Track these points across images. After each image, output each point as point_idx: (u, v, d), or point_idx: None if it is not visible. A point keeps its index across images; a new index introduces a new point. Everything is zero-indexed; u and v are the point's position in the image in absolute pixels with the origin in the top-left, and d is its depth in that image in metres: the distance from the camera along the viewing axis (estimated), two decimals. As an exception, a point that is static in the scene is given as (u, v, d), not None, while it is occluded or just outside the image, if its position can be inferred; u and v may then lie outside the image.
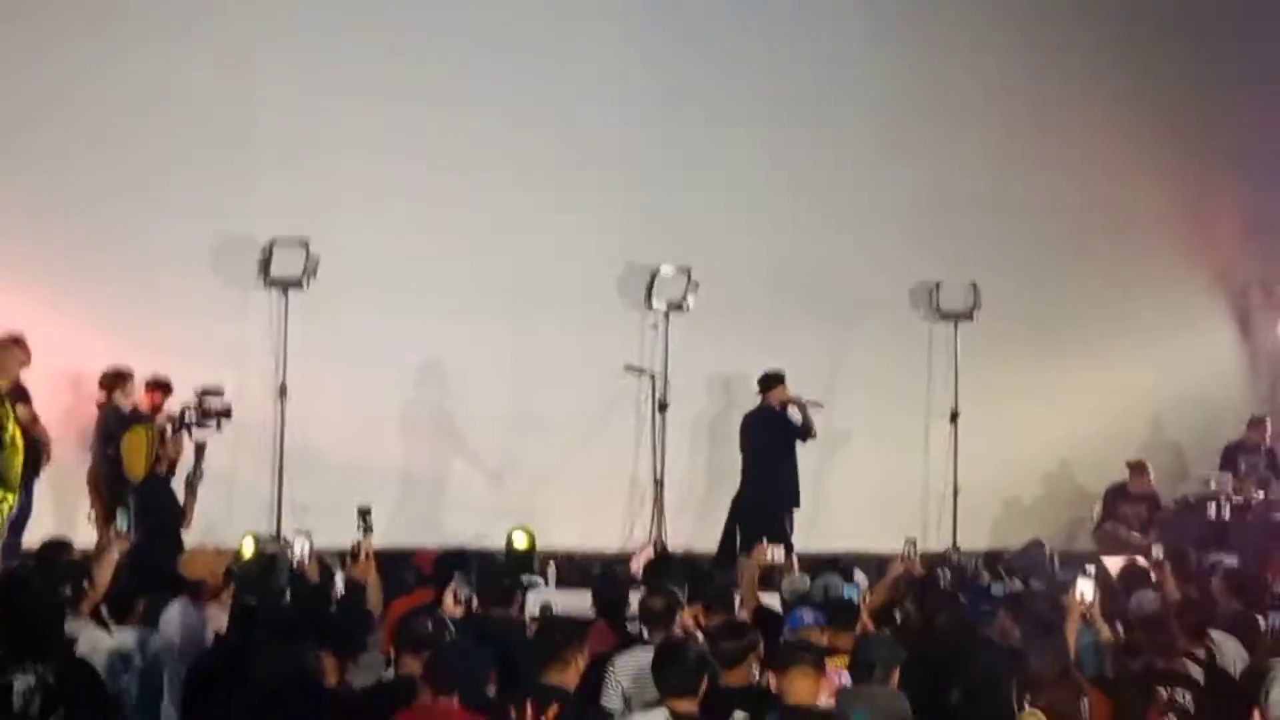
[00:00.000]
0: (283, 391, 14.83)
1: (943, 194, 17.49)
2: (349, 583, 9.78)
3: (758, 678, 7.96)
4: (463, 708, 6.92)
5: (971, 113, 17.84)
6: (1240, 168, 18.99)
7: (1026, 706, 7.02)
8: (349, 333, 15.30)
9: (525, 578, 11.47)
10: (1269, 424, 17.76)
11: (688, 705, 7.03)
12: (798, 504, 15.42)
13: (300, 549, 10.07)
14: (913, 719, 7.39)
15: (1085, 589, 9.39)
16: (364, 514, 10.21)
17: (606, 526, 15.98)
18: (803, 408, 15.57)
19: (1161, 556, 12.70)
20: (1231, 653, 9.56)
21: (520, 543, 13.99)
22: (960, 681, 8.16)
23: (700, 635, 8.87)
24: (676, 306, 16.06)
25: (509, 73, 16.14)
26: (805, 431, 15.59)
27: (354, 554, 9.99)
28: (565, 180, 16.15)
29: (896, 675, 7.66)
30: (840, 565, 11.60)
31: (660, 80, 16.71)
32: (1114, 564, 13.57)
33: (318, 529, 11.34)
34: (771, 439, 15.54)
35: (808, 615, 8.94)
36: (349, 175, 15.50)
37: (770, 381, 15.62)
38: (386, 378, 15.50)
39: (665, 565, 12.12)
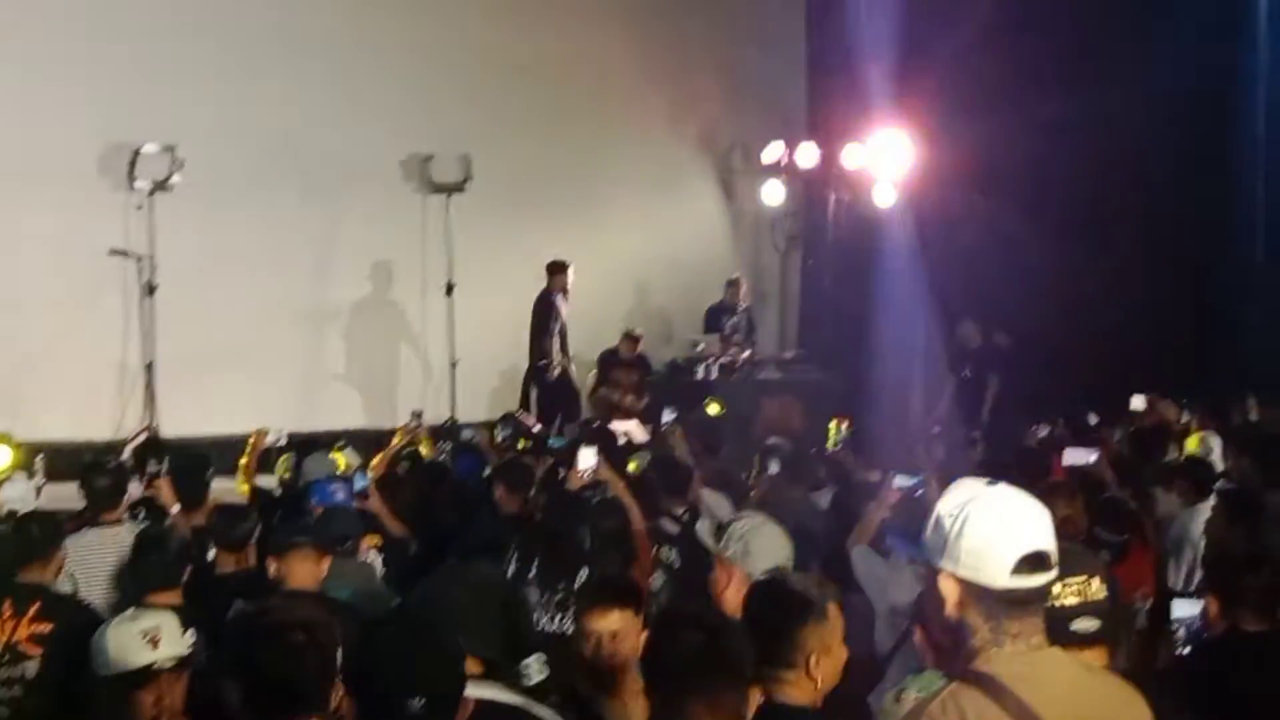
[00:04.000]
0: None
1: (431, 57, 17.39)
2: None
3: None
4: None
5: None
6: (721, 31, 19.51)
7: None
8: None
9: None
10: (743, 284, 18.42)
11: (170, 597, 6.69)
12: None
13: None
14: (384, 589, 7.44)
15: (586, 457, 9.43)
16: None
17: (98, 414, 15.46)
18: None
19: (674, 418, 13.09)
20: (723, 509, 9.91)
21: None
22: (459, 547, 8.28)
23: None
24: (162, 185, 15.52)
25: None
26: None
27: None
28: (35, 54, 15.34)
29: (364, 546, 7.69)
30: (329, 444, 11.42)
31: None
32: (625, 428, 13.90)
33: None
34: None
35: (340, 491, 8.80)
36: None
37: (554, 267, 16.74)
38: None
39: (153, 449, 11.86)
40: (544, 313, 16.84)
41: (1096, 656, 4.16)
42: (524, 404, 16.43)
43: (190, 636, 5.44)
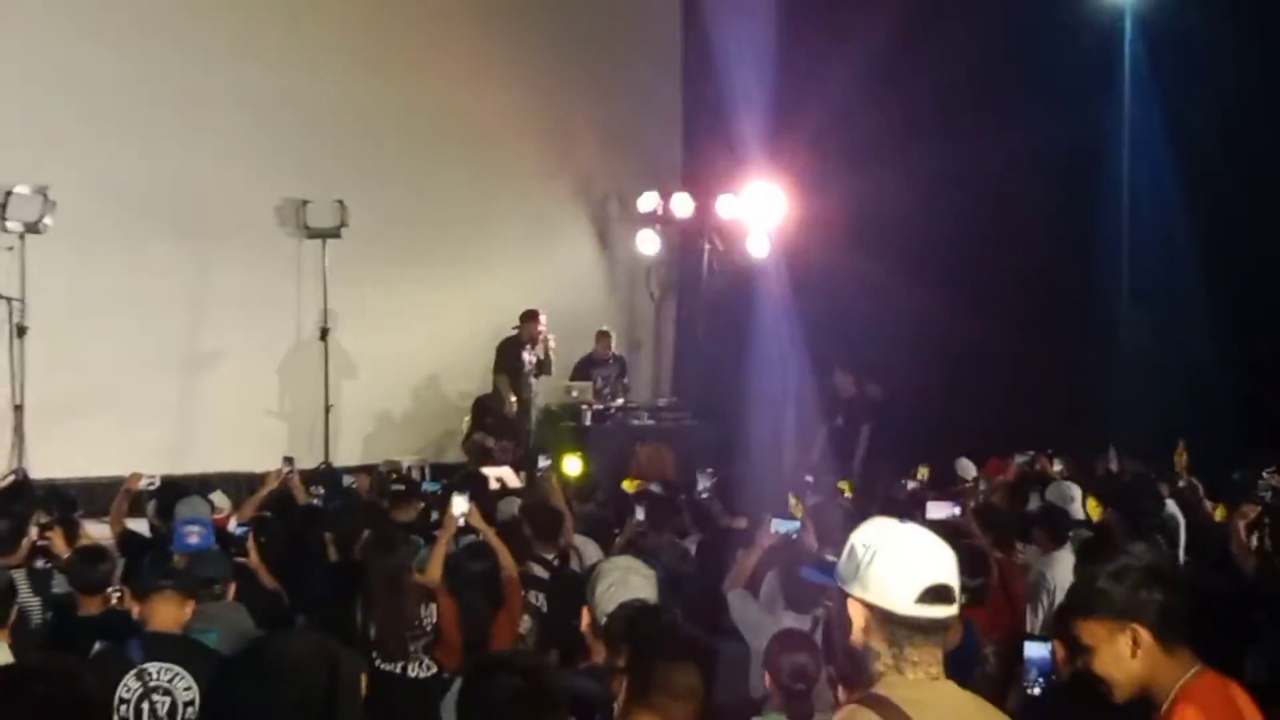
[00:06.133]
0: None
1: (305, 105, 17.39)
2: None
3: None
4: None
5: (328, 20, 17.74)
6: (597, 82, 19.66)
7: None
8: None
9: None
10: (612, 336, 18.60)
11: None
12: None
13: None
14: (255, 629, 7.44)
15: (459, 504, 9.46)
16: None
17: (-37, 455, 15.29)
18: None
19: (549, 465, 13.17)
20: (593, 556, 9.99)
21: None
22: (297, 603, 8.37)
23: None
24: (33, 228, 15.37)
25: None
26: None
27: None
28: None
29: (233, 589, 7.71)
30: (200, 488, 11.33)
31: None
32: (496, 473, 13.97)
33: None
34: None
35: (194, 535, 8.78)
36: None
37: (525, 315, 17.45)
38: None
39: (21, 491, 11.78)
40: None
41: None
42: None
43: None
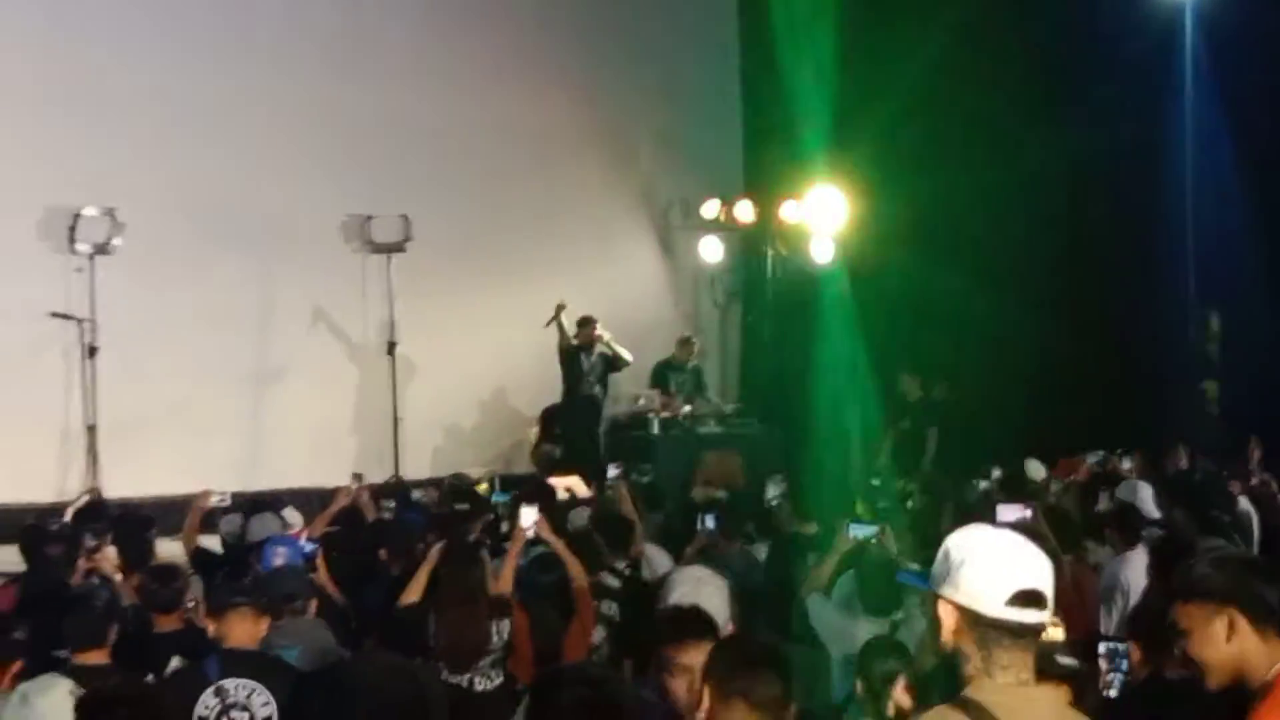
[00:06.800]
0: None
1: (370, 121, 17.43)
2: None
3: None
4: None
5: (391, 36, 17.83)
6: (658, 90, 19.65)
7: None
8: None
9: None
10: (696, 344, 18.55)
11: (97, 656, 6.75)
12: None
13: None
14: (336, 646, 7.48)
15: (528, 516, 9.49)
16: None
17: (39, 477, 15.37)
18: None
19: (619, 474, 13.19)
20: (663, 564, 10.00)
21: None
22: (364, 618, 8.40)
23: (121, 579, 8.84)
24: (102, 249, 15.51)
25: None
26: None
27: None
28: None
29: (314, 606, 7.75)
30: (272, 505, 11.39)
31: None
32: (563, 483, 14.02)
33: None
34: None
35: (281, 555, 8.85)
36: None
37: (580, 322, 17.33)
38: None
39: (95, 513, 11.88)
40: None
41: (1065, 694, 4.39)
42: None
43: None
